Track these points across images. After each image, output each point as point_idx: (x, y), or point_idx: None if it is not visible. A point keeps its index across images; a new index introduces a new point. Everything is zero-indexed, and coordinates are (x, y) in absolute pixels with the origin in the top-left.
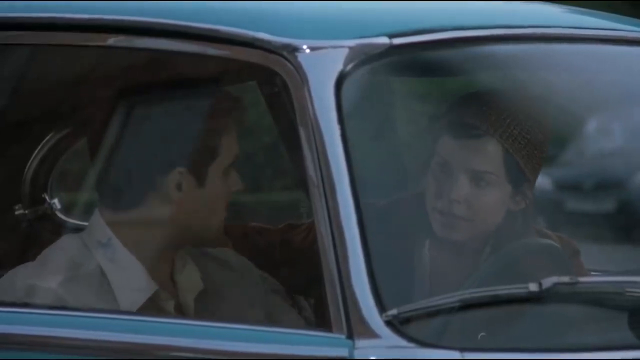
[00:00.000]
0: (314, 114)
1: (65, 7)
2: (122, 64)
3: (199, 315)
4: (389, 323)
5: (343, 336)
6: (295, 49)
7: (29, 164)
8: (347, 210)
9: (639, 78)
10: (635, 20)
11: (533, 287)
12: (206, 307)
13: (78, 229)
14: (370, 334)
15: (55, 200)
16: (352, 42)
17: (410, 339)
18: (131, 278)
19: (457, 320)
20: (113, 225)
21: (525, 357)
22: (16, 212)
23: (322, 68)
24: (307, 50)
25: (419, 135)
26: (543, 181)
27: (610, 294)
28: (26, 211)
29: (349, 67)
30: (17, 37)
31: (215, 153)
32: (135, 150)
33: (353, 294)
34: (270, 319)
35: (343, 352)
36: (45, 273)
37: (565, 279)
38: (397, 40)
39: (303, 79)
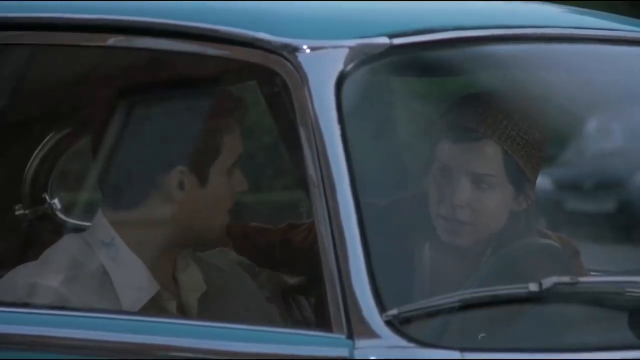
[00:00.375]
0: (314, 113)
1: (65, 7)
2: (122, 64)
3: (203, 315)
4: (389, 323)
5: (343, 336)
6: (295, 49)
7: (29, 163)
8: (347, 210)
9: (639, 78)
10: (635, 20)
11: (533, 287)
12: (209, 307)
13: (78, 229)
14: (371, 334)
15: (56, 200)
16: (352, 42)
17: (410, 339)
18: (134, 277)
19: (457, 320)
20: (116, 224)
21: (525, 357)
22: (16, 212)
23: (322, 68)
24: (307, 50)
25: (419, 136)
26: (543, 181)
27: (610, 294)
28: (26, 211)
29: (349, 67)
30: (17, 37)
31: (217, 152)
32: (137, 150)
33: (353, 294)
34: (270, 320)
35: (343, 352)
36: (47, 272)
37: (565, 279)
38: (397, 40)
39: (303, 79)
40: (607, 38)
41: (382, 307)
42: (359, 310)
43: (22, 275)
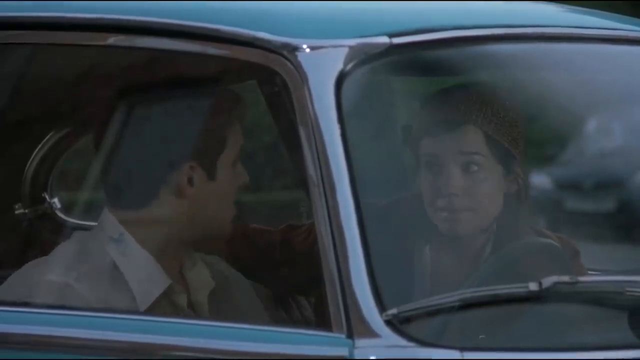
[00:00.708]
0: (314, 113)
1: (65, 7)
2: (121, 64)
3: (213, 312)
4: (389, 322)
5: (343, 336)
6: (295, 49)
7: (29, 163)
8: (347, 210)
9: (639, 78)
10: (636, 20)
11: (533, 286)
12: (218, 304)
13: (78, 228)
14: (370, 333)
15: (56, 200)
16: (352, 42)
17: (410, 338)
18: (145, 271)
19: (457, 319)
20: (124, 222)
21: (525, 356)
22: (16, 212)
23: (322, 68)
24: (307, 50)
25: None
26: (543, 181)
27: (610, 293)
28: (26, 210)
29: (349, 66)
30: (18, 37)
31: (223, 146)
32: (144, 149)
33: (353, 293)
34: (270, 319)
35: (343, 351)
36: (60, 269)
37: (565, 278)
38: (397, 40)
39: (303, 79)
40: (607, 37)
41: (382, 306)
42: (358, 310)
43: (34, 273)
